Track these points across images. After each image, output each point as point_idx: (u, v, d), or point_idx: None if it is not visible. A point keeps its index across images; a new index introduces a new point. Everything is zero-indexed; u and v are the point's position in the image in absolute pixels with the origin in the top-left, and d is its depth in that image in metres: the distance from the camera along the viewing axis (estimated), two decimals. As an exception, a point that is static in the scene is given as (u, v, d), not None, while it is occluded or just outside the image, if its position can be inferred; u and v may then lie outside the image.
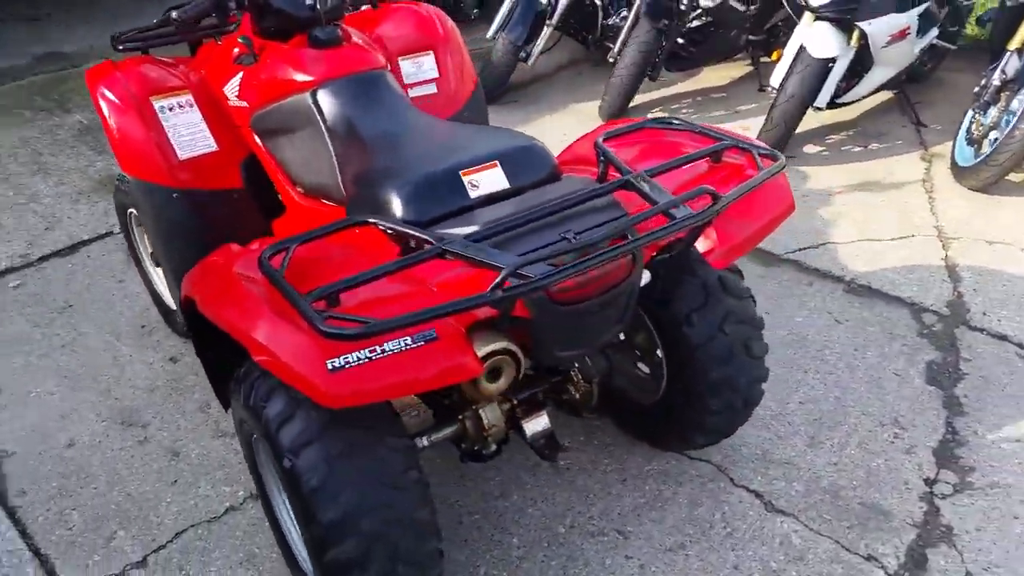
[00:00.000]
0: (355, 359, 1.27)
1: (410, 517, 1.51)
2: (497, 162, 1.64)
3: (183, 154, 2.13)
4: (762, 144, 1.70)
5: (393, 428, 1.59)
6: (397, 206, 1.55)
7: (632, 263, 1.53)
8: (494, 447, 1.81)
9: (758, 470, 2.14)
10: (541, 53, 4.52)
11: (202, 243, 1.90)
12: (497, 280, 1.25)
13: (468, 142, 1.73)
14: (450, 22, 2.46)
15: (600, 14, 4.62)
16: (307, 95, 1.87)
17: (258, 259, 1.35)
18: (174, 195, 2.13)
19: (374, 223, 1.46)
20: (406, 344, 1.31)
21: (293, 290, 1.26)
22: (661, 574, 1.90)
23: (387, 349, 1.29)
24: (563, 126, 4.19)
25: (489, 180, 1.63)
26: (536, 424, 1.82)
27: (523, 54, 4.43)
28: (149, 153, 2.11)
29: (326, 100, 1.86)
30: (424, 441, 1.74)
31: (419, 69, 2.35)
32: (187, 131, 2.14)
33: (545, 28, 4.42)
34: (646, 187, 1.51)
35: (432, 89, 2.37)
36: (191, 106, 2.15)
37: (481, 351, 1.47)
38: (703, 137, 1.76)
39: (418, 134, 1.82)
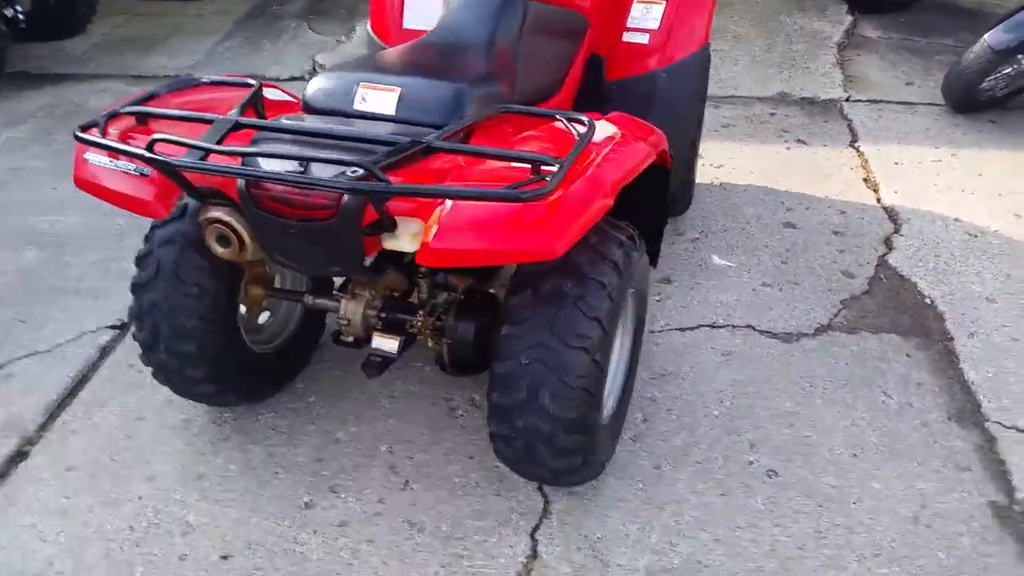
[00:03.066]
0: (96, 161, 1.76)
1: None
2: (399, 89, 1.79)
3: (407, 24, 2.48)
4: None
5: None
6: (309, 87, 1.89)
7: (337, 211, 1.57)
8: (351, 339, 2.06)
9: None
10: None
11: None
12: (147, 143, 1.55)
13: (428, 65, 1.94)
14: None
15: None
16: None
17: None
18: None
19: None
20: (131, 169, 1.73)
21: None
22: None
23: (119, 166, 1.74)
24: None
25: (379, 101, 1.79)
26: (383, 343, 1.99)
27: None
28: (383, 15, 2.55)
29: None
30: (309, 300, 2.17)
31: (643, 15, 2.55)
32: (421, 6, 2.50)
33: None
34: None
35: (643, 39, 2.56)
36: None
37: (203, 215, 1.75)
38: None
39: (442, 47, 2.05)
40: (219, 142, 1.62)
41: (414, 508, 2.10)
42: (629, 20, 2.66)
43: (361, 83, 1.86)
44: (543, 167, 1.50)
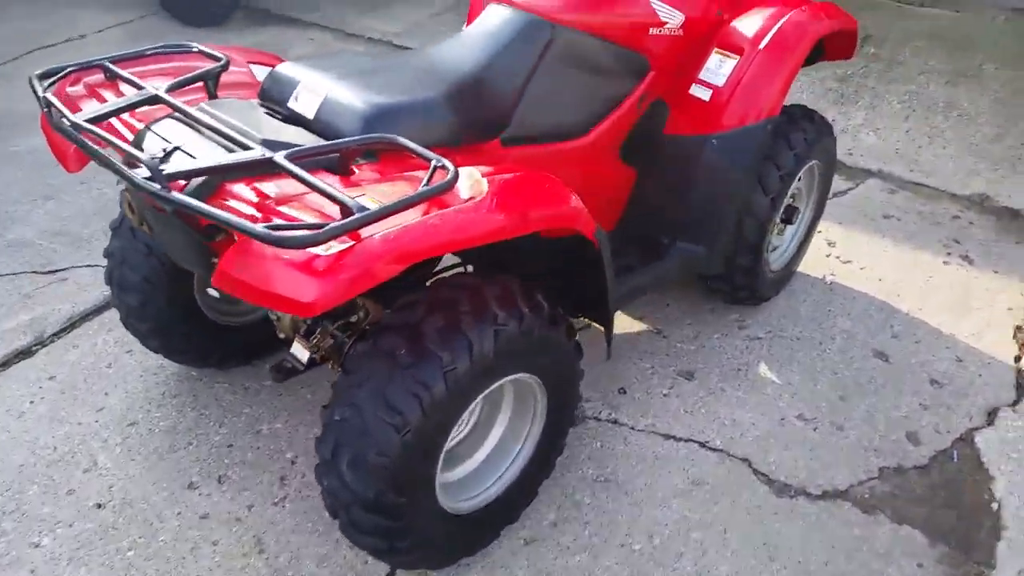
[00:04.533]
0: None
1: None
2: (324, 95, 1.75)
3: None
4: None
5: None
6: (267, 75, 1.88)
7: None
8: (282, 336, 2.01)
9: None
10: None
11: None
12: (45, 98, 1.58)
13: (376, 75, 1.86)
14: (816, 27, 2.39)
15: None
16: None
17: None
18: None
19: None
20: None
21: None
22: None
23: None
24: None
25: (306, 103, 1.77)
26: (298, 350, 1.90)
27: None
28: None
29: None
30: None
31: (715, 68, 2.30)
32: None
33: None
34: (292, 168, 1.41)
35: (705, 95, 2.30)
36: None
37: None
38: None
39: (426, 60, 1.98)
40: (121, 111, 1.65)
41: (271, 527, 2.04)
42: (702, 70, 2.31)
43: (301, 82, 1.81)
44: (355, 212, 1.32)
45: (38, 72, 1.76)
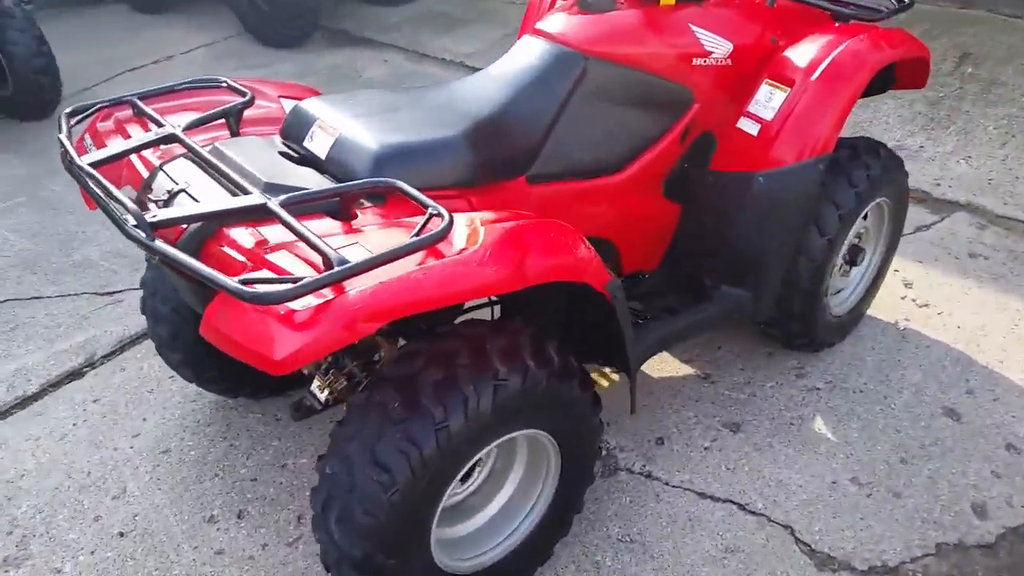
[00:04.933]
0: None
1: None
2: (337, 135, 1.73)
3: None
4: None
5: None
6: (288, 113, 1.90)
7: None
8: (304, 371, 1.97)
9: None
10: None
11: None
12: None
13: (399, 113, 1.84)
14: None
15: None
16: None
17: None
18: None
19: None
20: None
21: None
22: None
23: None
24: None
25: (320, 143, 1.76)
26: (316, 389, 1.88)
27: None
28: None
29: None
30: None
31: (765, 101, 2.15)
32: None
33: None
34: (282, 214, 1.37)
35: (753, 129, 2.15)
36: None
37: None
38: None
39: (445, 97, 1.94)
40: (134, 151, 1.67)
41: (281, 568, 2.01)
42: (752, 102, 2.16)
43: (317, 120, 1.79)
44: (335, 265, 1.27)
45: (68, 110, 1.80)
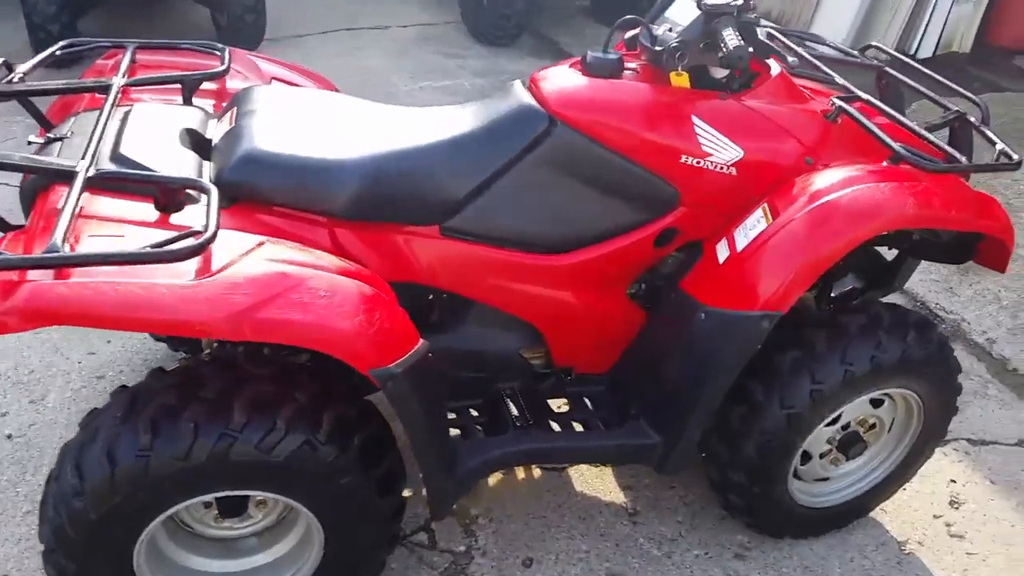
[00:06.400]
0: None
1: None
2: (234, 126, 1.70)
3: None
4: None
5: None
6: None
7: None
8: None
9: None
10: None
11: None
12: None
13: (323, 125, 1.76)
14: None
15: None
16: None
17: None
18: None
19: None
20: None
21: None
22: None
23: None
24: None
25: (220, 130, 1.74)
26: None
27: None
28: None
29: None
30: None
31: (749, 228, 1.75)
32: None
33: None
34: None
35: (723, 256, 1.78)
36: None
37: None
38: None
39: (407, 128, 1.81)
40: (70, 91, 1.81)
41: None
42: (740, 224, 1.79)
43: (236, 108, 1.78)
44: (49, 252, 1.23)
45: (63, 43, 1.93)
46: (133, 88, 1.84)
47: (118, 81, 1.74)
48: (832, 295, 2.29)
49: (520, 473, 2.27)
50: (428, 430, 1.56)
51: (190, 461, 1.42)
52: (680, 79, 1.84)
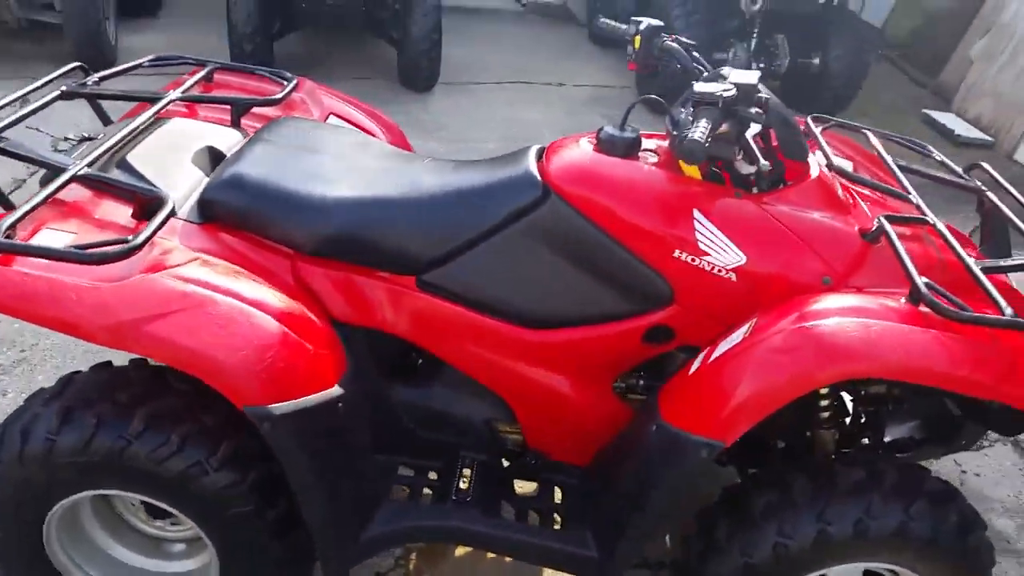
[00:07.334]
0: None
1: None
2: (235, 149, 1.78)
3: None
4: None
5: None
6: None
7: None
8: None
9: None
10: None
11: None
12: None
13: (328, 162, 1.79)
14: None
15: None
16: None
17: None
18: None
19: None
20: None
21: None
22: None
23: None
24: None
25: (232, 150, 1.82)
26: None
27: None
28: None
29: None
30: None
31: (734, 339, 1.56)
32: None
33: None
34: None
35: (696, 363, 1.62)
36: None
37: None
38: None
39: (406, 177, 1.81)
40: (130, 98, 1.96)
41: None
42: (729, 335, 1.58)
43: (256, 133, 1.88)
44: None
45: (150, 56, 2.14)
46: (198, 104, 1.99)
47: (171, 95, 1.88)
48: (884, 439, 1.98)
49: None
50: (315, 484, 1.50)
51: (87, 455, 1.47)
52: (691, 168, 1.68)
